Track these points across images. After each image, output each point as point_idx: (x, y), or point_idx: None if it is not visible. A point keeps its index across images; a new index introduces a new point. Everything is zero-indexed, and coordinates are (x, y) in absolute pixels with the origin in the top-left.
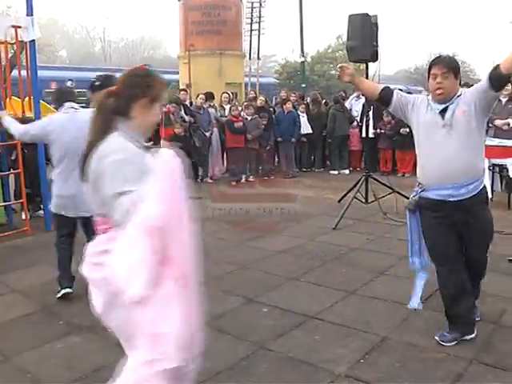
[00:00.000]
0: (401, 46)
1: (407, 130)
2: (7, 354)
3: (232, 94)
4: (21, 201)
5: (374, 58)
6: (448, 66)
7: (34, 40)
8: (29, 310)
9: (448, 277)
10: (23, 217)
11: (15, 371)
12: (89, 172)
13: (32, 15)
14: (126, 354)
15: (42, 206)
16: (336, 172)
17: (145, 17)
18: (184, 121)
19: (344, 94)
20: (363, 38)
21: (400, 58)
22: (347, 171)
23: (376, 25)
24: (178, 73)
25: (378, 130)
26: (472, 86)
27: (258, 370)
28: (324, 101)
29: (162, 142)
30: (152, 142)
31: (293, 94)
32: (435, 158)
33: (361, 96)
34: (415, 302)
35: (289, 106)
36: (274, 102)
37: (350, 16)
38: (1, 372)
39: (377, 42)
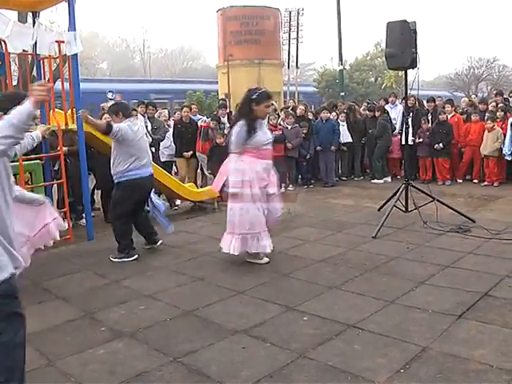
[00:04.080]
0: (441, 51)
1: (441, 145)
2: (51, 358)
3: (272, 103)
4: (64, 210)
5: (414, 64)
6: None
7: (76, 54)
8: (72, 316)
9: None
10: (66, 226)
11: (59, 375)
12: None
13: (75, 30)
14: (168, 360)
15: (84, 215)
16: (381, 181)
17: (184, 27)
18: (223, 134)
19: (385, 102)
20: (402, 44)
21: (440, 64)
22: (389, 179)
23: (415, 31)
24: (217, 83)
25: (417, 138)
26: None
27: (297, 379)
28: (362, 107)
29: (197, 154)
30: (191, 153)
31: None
32: None
33: (397, 103)
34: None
35: (325, 114)
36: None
37: (388, 23)
38: (45, 375)
39: (416, 49)
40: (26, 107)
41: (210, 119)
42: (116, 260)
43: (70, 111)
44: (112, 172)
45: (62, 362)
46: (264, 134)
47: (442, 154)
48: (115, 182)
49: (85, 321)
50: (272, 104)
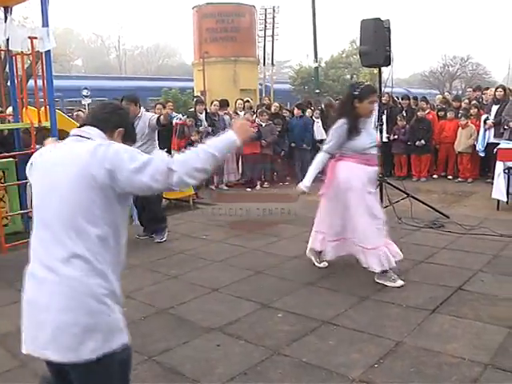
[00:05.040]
0: (415, 48)
1: (423, 142)
2: (25, 360)
3: (247, 101)
4: None
5: (387, 62)
6: None
7: (49, 50)
8: None
9: None
10: None
11: (32, 376)
12: None
13: (48, 26)
14: (143, 359)
15: None
16: None
17: (159, 24)
18: (198, 131)
19: None
20: (376, 42)
21: (415, 61)
22: None
23: (388, 29)
24: (192, 80)
25: (392, 136)
26: (487, 88)
27: (272, 376)
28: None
29: (172, 152)
30: (166, 150)
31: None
32: None
33: None
34: None
35: (298, 111)
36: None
37: (362, 21)
38: (18, 377)
39: (389, 47)
40: (233, 142)
41: (185, 116)
42: (163, 240)
43: (43, 108)
44: None
45: (35, 363)
46: (368, 136)
47: (423, 150)
48: None
49: None
50: (248, 101)
